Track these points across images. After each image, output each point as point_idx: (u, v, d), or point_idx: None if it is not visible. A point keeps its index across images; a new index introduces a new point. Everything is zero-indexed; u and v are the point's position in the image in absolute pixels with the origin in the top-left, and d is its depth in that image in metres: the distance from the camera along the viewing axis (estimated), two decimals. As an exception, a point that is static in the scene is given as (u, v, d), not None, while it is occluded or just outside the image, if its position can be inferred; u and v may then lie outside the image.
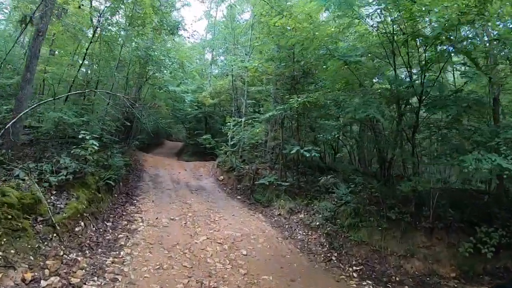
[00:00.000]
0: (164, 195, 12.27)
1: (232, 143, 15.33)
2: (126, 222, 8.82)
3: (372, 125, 10.99)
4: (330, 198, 10.58)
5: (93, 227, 7.76)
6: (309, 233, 9.54)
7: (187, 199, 12.19)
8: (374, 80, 12.42)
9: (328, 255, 8.27)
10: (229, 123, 16.93)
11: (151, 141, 33.71)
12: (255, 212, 11.40)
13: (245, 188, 13.95)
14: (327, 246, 8.78)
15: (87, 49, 12.71)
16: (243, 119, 16.08)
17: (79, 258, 6.06)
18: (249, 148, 18.09)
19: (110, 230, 7.99)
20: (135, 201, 10.95)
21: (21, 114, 7.80)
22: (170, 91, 26.86)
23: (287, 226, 10.21)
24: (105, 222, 8.41)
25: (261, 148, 18.30)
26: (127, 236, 7.79)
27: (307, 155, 10.67)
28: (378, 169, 11.29)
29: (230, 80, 23.52)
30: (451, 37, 7.74)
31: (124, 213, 9.57)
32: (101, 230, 7.89)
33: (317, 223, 9.67)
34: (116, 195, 10.79)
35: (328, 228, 9.31)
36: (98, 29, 13.05)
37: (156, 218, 9.43)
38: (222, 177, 16.25)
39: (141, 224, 8.79)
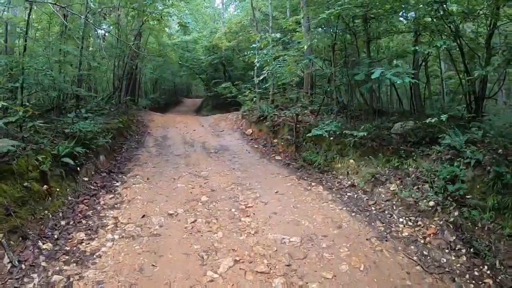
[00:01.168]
0: (168, 166, 7.91)
1: (261, 78, 10.19)
2: (83, 235, 4.51)
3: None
4: (432, 155, 5.84)
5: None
6: (420, 223, 4.91)
7: (202, 168, 7.78)
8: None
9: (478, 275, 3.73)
10: (255, 45, 11.78)
11: (169, 99, 29.54)
12: (311, 183, 6.82)
13: (285, 144, 9.32)
14: (464, 251, 4.18)
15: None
16: (270, 40, 10.81)
17: None
18: (281, 90, 13.26)
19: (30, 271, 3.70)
20: (117, 184, 6.64)
21: None
22: (177, 42, 21.98)
23: (373, 209, 5.62)
24: (37, 245, 4.12)
25: (295, 90, 13.49)
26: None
27: (397, 82, 5.85)
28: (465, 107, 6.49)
29: (249, 13, 18.14)
30: None
31: (89, 213, 5.27)
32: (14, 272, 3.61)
33: (431, 203, 4.99)
34: (86, 179, 6.48)
35: (455, 213, 4.66)
36: None
37: (143, 216, 5.09)
38: (250, 130, 11.66)
39: (109, 237, 4.46)
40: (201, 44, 21.15)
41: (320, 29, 12.12)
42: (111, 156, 8.42)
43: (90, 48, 12.76)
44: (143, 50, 15.66)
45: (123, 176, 7.14)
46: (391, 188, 6.00)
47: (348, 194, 6.34)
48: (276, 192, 6.21)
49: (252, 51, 11.78)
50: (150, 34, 15.59)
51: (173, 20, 20.07)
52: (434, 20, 6.72)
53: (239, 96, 14.31)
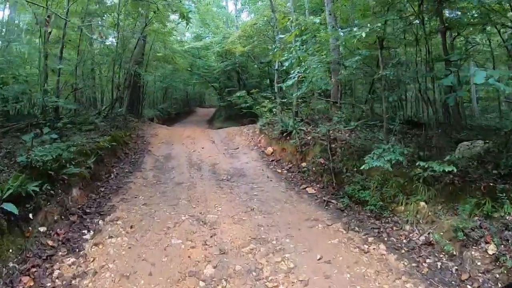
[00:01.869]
0: (163, 204, 5.80)
1: (290, 83, 7.70)
2: None
3: None
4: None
5: None
6: None
7: (210, 207, 5.64)
8: None
9: None
10: (275, 47, 9.58)
11: (181, 109, 27.72)
12: (366, 238, 4.59)
13: (318, 170, 7.11)
14: None
15: None
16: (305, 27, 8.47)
17: None
18: (306, 100, 11.13)
19: None
20: (87, 237, 4.61)
21: None
22: (187, 49, 20.13)
23: (474, 290, 3.38)
24: None
25: (322, 99, 11.43)
26: None
27: (507, 90, 3.68)
28: None
29: (264, 14, 16.29)
30: None
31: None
32: None
33: None
34: (43, 230, 4.47)
35: None
36: None
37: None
38: (270, 149, 9.50)
39: None
40: (213, 50, 19.19)
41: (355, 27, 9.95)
42: (91, 187, 6.36)
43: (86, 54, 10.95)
44: (148, 56, 13.77)
45: (100, 221, 5.04)
46: (489, 251, 3.77)
47: (427, 260, 4.07)
48: (319, 259, 3.99)
49: (275, 47, 9.58)
50: (156, 38, 13.68)
51: (179, 24, 18.46)
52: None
53: (256, 107, 12.21)
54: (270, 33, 17.28)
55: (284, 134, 9.11)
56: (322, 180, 6.92)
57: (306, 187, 6.82)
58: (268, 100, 11.79)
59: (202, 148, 10.04)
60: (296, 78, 7.26)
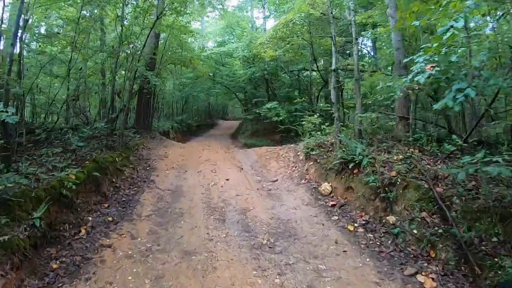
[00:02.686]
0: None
1: (426, 75, 4.49)
2: None
3: None
4: None
5: None
6: None
7: None
8: None
9: None
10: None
11: (203, 121, 25.07)
12: None
13: (426, 236, 3.92)
14: None
15: None
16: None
17: None
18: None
19: None
20: None
21: None
22: (210, 54, 17.45)
23: None
24: None
25: (388, 113, 8.47)
26: None
27: None
28: None
29: (302, 8, 13.38)
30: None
31: None
32: None
33: None
34: None
35: None
36: None
37: None
38: (327, 185, 6.42)
39: None
40: (238, 55, 16.38)
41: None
42: (33, 264, 3.44)
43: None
44: (161, 57, 11.07)
45: None
46: None
47: None
48: None
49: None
50: (171, 35, 10.97)
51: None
52: None
53: (297, 122, 9.23)
54: (306, 35, 14.42)
55: (349, 165, 5.97)
56: (439, 258, 3.74)
57: (415, 273, 3.64)
58: (313, 113, 8.75)
59: (227, 179, 7.00)
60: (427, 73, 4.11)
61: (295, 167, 7.83)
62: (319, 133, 8.37)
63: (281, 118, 13.22)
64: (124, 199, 5.82)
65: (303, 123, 9.00)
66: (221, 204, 5.71)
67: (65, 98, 8.80)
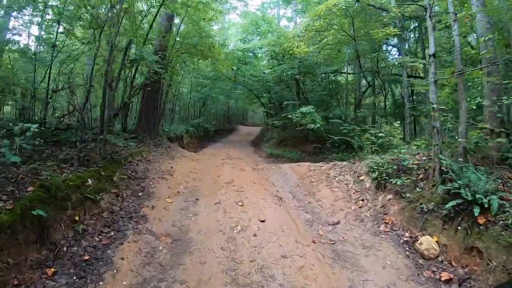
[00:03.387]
0: None
1: None
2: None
3: None
4: None
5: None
6: None
7: None
8: None
9: None
10: None
11: (222, 126, 22.62)
12: None
13: None
14: None
15: None
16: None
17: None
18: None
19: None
20: None
21: None
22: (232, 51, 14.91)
23: None
24: None
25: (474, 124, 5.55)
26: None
27: None
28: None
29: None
30: None
31: None
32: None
33: None
34: None
35: None
36: None
37: None
38: (431, 243, 3.61)
39: None
40: (265, 50, 13.72)
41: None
42: None
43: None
44: (174, 44, 8.53)
45: None
46: None
47: None
48: None
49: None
50: (187, 17, 8.43)
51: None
52: None
53: (368, 132, 6.54)
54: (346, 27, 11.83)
55: (471, 210, 3.22)
56: None
57: None
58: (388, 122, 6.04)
59: (262, 221, 4.26)
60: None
61: (362, 199, 5.09)
62: (402, 150, 5.60)
63: (317, 125, 10.52)
64: (87, 258, 3.23)
65: (367, 133, 6.26)
66: (257, 278, 3.04)
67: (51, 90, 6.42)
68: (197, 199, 4.87)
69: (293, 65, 12.19)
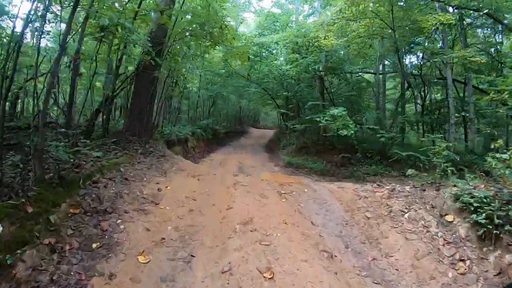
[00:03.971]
0: None
1: None
2: None
3: None
4: None
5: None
6: None
7: None
8: None
9: None
10: None
11: (232, 127, 20.62)
12: None
13: None
14: None
15: None
16: None
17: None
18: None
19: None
20: None
21: None
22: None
23: None
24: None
25: None
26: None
27: None
28: None
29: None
30: None
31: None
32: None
33: None
34: None
35: None
36: None
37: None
38: None
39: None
40: (285, 42, 11.59)
41: None
42: None
43: None
44: (176, 21, 6.50)
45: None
46: None
47: None
48: None
49: None
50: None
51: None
52: None
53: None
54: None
55: None
56: None
57: None
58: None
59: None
60: None
61: (462, 259, 3.02)
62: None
63: (351, 132, 8.43)
64: None
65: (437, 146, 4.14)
66: None
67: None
68: (191, 257, 2.82)
69: (320, 59, 10.05)
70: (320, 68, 10.21)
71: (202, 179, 5.02)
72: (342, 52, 10.58)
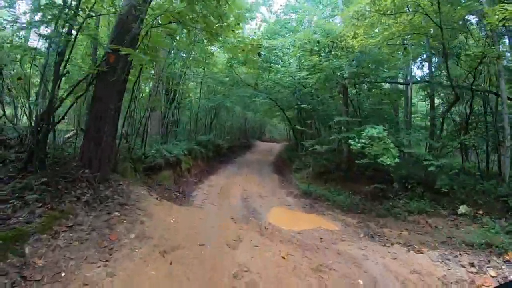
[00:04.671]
0: None
1: None
2: None
3: None
4: None
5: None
6: None
7: None
8: None
9: None
10: None
11: (237, 141, 18.41)
12: None
13: None
14: None
15: None
16: None
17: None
18: None
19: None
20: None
21: None
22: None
23: None
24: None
25: None
26: None
27: None
28: None
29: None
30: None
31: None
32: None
33: None
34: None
35: None
36: None
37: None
38: None
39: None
40: (302, 43, 9.37)
41: None
42: None
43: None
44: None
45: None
46: None
47: None
48: None
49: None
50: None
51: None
52: None
53: None
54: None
55: None
56: None
57: None
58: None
59: None
60: None
61: None
62: None
63: (395, 160, 6.15)
64: None
65: None
66: None
67: None
68: None
69: (350, 62, 7.81)
70: (347, 74, 7.98)
71: (180, 261, 2.77)
72: (372, 54, 8.35)
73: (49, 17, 3.52)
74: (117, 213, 3.32)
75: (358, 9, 7.48)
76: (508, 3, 6.27)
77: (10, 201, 2.87)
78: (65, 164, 4.04)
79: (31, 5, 3.80)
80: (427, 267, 3.13)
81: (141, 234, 3.10)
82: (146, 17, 4.30)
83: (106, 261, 2.54)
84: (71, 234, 2.73)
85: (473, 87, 8.32)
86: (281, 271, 2.88)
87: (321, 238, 4.48)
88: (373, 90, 9.02)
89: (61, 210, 3.00)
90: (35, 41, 4.44)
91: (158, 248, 2.92)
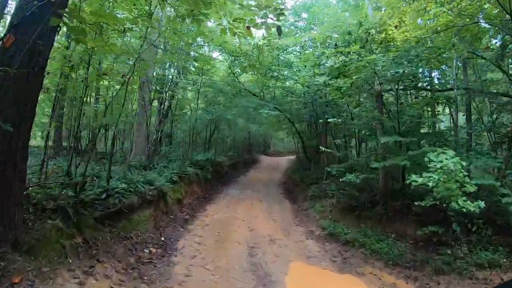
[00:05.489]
0: None
1: None
2: None
3: None
4: None
5: None
6: None
7: None
8: None
9: None
10: None
11: (241, 157, 16.37)
12: None
13: None
14: None
15: None
16: None
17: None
18: None
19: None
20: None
21: None
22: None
23: None
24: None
25: None
26: None
27: None
28: None
29: None
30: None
31: None
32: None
33: None
34: None
35: None
36: None
37: None
38: None
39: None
40: (324, 37, 7.21)
41: None
42: None
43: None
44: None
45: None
46: None
47: None
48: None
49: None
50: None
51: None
52: None
53: None
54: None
55: None
56: None
57: None
58: None
59: None
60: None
61: None
62: None
63: (480, 206, 3.88)
64: None
65: None
66: None
67: None
68: None
69: (397, 60, 5.55)
70: (390, 76, 5.76)
71: None
72: (416, 50, 6.13)
73: None
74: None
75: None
76: None
77: None
78: None
79: None
80: None
81: None
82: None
83: None
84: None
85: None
86: None
87: None
88: (419, 97, 6.78)
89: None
90: None
91: None
